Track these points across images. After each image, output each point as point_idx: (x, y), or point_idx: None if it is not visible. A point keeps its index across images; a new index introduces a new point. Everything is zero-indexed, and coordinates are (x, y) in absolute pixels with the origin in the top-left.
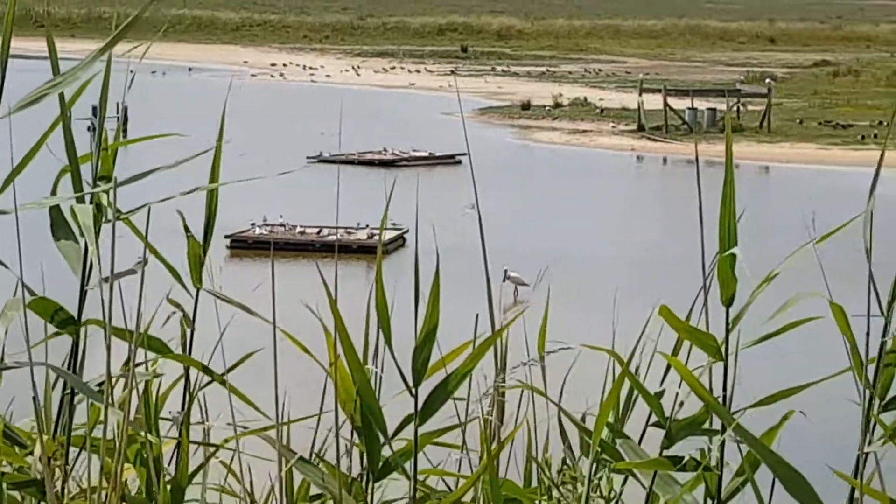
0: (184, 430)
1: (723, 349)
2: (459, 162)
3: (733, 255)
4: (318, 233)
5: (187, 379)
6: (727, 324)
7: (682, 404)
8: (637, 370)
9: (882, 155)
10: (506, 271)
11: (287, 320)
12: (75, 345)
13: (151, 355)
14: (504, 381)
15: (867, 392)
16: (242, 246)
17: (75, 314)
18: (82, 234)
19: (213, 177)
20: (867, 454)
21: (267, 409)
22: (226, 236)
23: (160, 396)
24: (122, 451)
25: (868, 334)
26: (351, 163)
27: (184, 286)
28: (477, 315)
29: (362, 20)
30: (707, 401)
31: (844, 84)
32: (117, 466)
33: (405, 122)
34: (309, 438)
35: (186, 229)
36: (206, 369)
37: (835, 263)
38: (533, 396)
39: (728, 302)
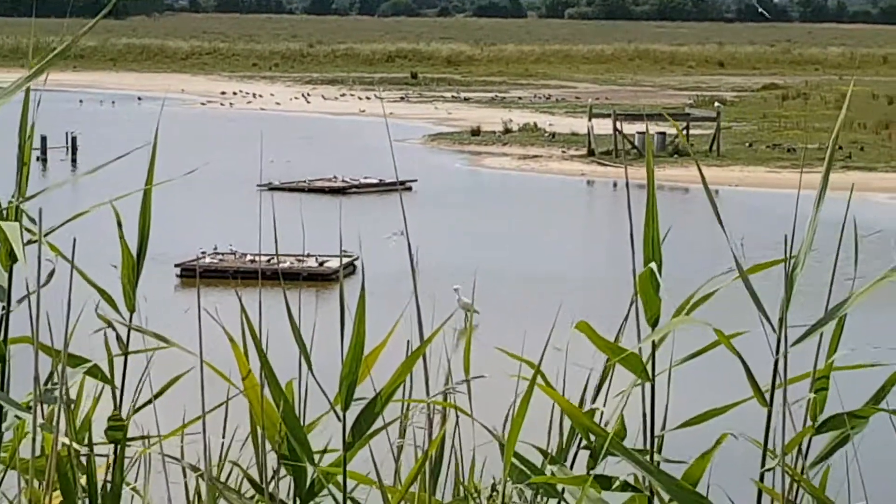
0: (120, 446)
1: (649, 368)
2: (410, 188)
3: (654, 272)
4: (269, 261)
5: (120, 403)
6: (653, 344)
7: (607, 424)
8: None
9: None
10: (457, 291)
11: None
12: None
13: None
14: (432, 398)
15: (766, 409)
16: (192, 275)
17: None
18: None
19: (146, 199)
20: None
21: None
22: (176, 265)
23: (86, 417)
24: (51, 467)
25: (778, 354)
26: (301, 190)
27: (117, 310)
28: (408, 341)
29: (312, 47)
30: (596, 432)
31: (793, 107)
32: (49, 487)
33: (355, 148)
34: (241, 457)
35: (122, 238)
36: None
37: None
38: (458, 418)
39: (653, 321)
